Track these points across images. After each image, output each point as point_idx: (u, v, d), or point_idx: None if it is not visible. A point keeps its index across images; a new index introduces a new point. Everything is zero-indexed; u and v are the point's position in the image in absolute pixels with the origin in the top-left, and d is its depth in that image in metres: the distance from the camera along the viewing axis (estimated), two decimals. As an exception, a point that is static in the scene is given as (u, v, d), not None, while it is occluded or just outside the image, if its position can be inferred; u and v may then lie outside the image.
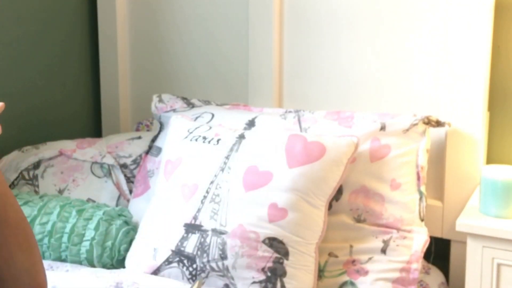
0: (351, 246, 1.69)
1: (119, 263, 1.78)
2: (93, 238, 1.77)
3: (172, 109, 2.03)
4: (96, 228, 1.78)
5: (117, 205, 1.99)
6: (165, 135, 1.94)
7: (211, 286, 1.62)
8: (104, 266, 1.77)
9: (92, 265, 1.77)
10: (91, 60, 2.43)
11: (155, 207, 1.78)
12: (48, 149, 2.09)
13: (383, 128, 1.77)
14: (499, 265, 1.59)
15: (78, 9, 2.38)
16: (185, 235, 1.66)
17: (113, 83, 2.39)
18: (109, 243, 1.77)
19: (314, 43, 2.02)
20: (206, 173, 1.70)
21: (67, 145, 2.11)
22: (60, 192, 2.00)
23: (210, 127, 1.82)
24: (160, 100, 2.07)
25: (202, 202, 1.67)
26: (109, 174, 2.04)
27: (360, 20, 1.95)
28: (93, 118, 2.48)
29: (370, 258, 1.67)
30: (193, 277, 1.64)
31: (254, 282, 1.59)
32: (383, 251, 1.67)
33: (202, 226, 1.65)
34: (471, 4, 1.78)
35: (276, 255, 1.59)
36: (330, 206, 1.70)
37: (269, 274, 1.58)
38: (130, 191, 2.01)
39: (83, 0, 2.38)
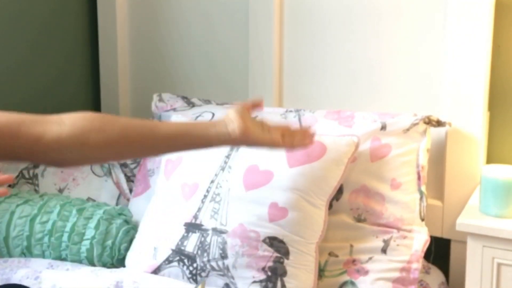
0: (351, 246, 1.69)
1: (119, 262, 1.78)
2: (93, 237, 1.77)
3: (172, 108, 2.03)
4: (97, 227, 1.78)
5: (117, 204, 1.99)
6: (165, 134, 1.93)
7: (212, 285, 1.62)
8: (104, 265, 1.77)
9: (92, 264, 1.78)
10: (91, 59, 2.43)
11: (155, 206, 1.78)
12: (48, 148, 2.08)
13: (383, 127, 1.77)
14: (499, 264, 1.59)
15: (78, 8, 2.37)
16: (185, 234, 1.66)
17: (113, 82, 2.38)
18: (109, 242, 1.77)
19: (314, 42, 2.02)
20: (206, 172, 1.70)
21: (67, 144, 2.11)
22: (60, 191, 2.00)
23: (211, 126, 1.82)
24: (161, 99, 2.07)
25: (202, 201, 1.67)
26: (109, 173, 2.04)
27: (360, 19, 1.94)
28: (93, 117, 2.47)
29: (370, 258, 1.67)
30: (193, 276, 1.64)
31: (254, 282, 1.59)
32: (384, 250, 1.67)
33: (202, 225, 1.65)
34: (471, 3, 1.78)
35: (276, 254, 1.59)
36: (330, 206, 1.70)
37: (269, 273, 1.58)
38: (130, 190, 2.01)
39: (83, 0, 2.38)
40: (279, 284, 1.58)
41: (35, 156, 1.11)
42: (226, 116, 1.24)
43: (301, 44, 2.04)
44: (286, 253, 1.59)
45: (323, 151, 1.65)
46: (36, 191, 2.00)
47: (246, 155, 1.69)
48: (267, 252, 1.59)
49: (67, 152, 1.11)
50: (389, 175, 1.73)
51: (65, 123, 1.12)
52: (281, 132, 1.27)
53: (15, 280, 1.62)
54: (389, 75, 1.93)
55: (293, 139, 1.28)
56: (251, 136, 1.23)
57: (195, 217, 1.66)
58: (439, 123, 1.80)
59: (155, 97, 2.08)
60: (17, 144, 1.08)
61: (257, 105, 1.33)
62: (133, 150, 1.19)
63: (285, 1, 2.04)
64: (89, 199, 1.98)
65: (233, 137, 1.21)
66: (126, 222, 1.83)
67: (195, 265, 1.63)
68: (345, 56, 1.98)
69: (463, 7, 1.79)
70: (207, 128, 1.22)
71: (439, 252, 1.91)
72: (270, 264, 1.59)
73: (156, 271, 1.68)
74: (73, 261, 1.78)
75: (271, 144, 1.25)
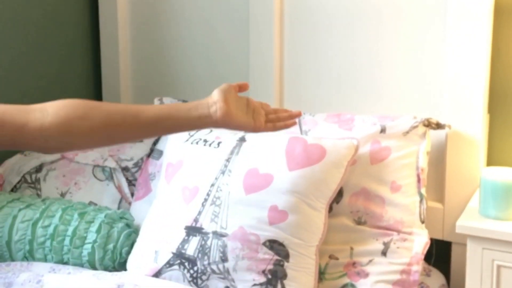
0: (351, 248, 1.70)
1: (121, 266, 1.79)
2: (95, 241, 1.77)
3: (173, 112, 2.04)
4: (98, 231, 1.78)
5: (118, 208, 2.00)
6: (166, 138, 1.94)
7: (212, 288, 1.63)
8: (106, 268, 1.78)
9: (94, 267, 1.78)
10: (93, 62, 2.44)
11: (156, 210, 1.79)
12: (50, 153, 2.10)
13: (383, 130, 1.77)
14: (499, 266, 1.59)
15: (79, 9, 2.38)
16: (186, 237, 1.67)
17: (114, 85, 2.39)
18: (110, 246, 1.78)
19: (314, 45, 2.03)
20: (206, 176, 1.71)
21: (69, 148, 2.12)
22: (62, 195, 2.01)
23: (211, 130, 1.82)
24: (162, 103, 2.08)
25: (203, 205, 1.68)
26: (110, 177, 2.05)
27: (360, 21, 1.95)
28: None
29: (370, 260, 1.67)
30: (194, 280, 1.64)
31: (254, 285, 1.59)
32: (384, 253, 1.67)
33: (203, 228, 1.66)
34: (471, 6, 1.79)
35: (276, 257, 1.60)
36: (330, 209, 1.70)
37: (269, 276, 1.59)
38: (132, 194, 2.02)
39: (84, 0, 2.39)
40: (279, 286, 1.58)
41: (18, 144, 1.10)
42: (210, 97, 1.25)
43: (301, 47, 2.05)
44: (286, 256, 1.60)
45: (323, 154, 1.66)
46: (38, 195, 2.01)
47: (246, 159, 1.70)
48: (267, 255, 1.60)
49: (51, 140, 1.11)
50: (389, 178, 1.73)
51: (48, 112, 1.11)
52: (265, 113, 1.30)
53: (17, 284, 1.63)
54: (389, 78, 1.94)
55: (277, 120, 1.32)
56: (233, 119, 1.24)
57: (196, 220, 1.67)
58: (438, 126, 1.80)
59: (156, 100, 2.09)
60: (0, 133, 1.08)
61: (242, 88, 1.35)
62: (117, 136, 1.19)
63: (285, 3, 2.05)
64: (90, 203, 1.98)
65: (214, 119, 1.23)
66: (128, 225, 1.83)
67: (195, 268, 1.64)
68: (345, 59, 1.98)
69: (463, 10, 1.80)
70: (189, 110, 1.22)
71: (440, 255, 1.91)
72: (270, 267, 1.59)
73: (157, 274, 1.69)
74: (75, 264, 1.79)
75: (252, 129, 1.28)
